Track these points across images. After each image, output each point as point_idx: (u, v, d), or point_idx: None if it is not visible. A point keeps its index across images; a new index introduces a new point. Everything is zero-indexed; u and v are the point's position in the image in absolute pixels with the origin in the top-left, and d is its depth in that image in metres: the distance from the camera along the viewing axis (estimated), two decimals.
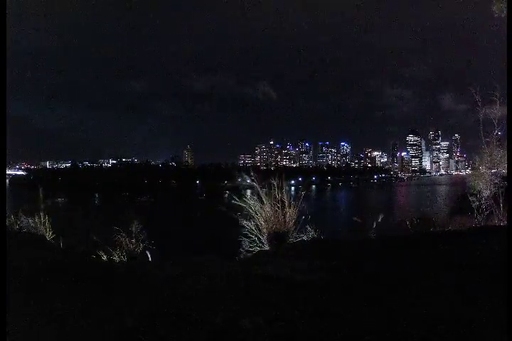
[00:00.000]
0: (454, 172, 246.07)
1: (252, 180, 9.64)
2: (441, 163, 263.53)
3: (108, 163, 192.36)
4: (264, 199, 9.09)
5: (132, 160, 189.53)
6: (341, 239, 9.97)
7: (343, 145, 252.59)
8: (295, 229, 9.04)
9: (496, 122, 10.95)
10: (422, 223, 10.98)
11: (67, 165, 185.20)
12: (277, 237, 8.79)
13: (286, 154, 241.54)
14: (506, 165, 9.83)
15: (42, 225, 10.24)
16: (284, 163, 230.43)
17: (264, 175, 9.68)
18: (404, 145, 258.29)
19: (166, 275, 5.84)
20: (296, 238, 9.05)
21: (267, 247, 8.87)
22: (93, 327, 3.60)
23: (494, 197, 10.56)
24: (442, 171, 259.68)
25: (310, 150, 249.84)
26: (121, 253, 9.18)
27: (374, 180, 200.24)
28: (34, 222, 10.25)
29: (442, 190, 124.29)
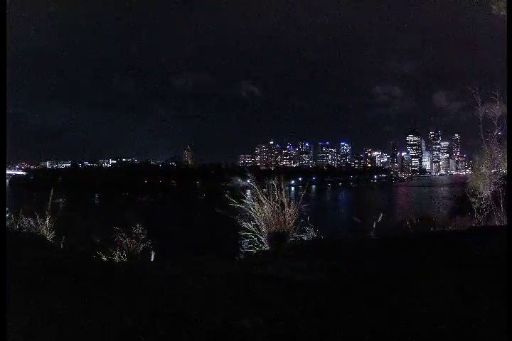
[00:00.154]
0: (454, 172, 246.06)
1: (252, 180, 9.64)
2: (441, 163, 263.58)
3: (108, 163, 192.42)
4: (263, 200, 9.08)
5: (132, 160, 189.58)
6: (341, 239, 9.95)
7: (343, 145, 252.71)
8: (295, 229, 9.03)
9: (495, 122, 10.94)
10: (422, 223, 10.97)
11: (67, 165, 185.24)
12: (277, 237, 8.78)
13: (286, 154, 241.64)
14: (506, 165, 9.82)
15: (42, 225, 10.23)
16: (284, 163, 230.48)
17: (264, 175, 9.67)
18: (404, 145, 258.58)
19: (166, 275, 5.84)
20: (296, 238, 9.04)
21: (266, 247, 8.87)
22: (93, 327, 3.60)
23: (494, 197, 10.55)
24: (442, 171, 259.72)
25: (310, 150, 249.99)
26: (122, 253, 9.18)
27: (374, 180, 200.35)
28: (34, 222, 10.24)
29: (442, 189, 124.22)
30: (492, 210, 10.37)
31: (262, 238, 8.99)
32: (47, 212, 10.13)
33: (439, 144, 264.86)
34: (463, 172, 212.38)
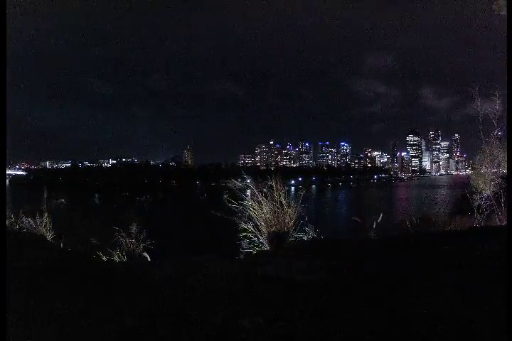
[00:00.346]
0: (454, 172, 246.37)
1: (252, 180, 9.64)
2: (441, 162, 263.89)
3: (108, 163, 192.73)
4: (263, 200, 9.08)
5: (132, 160, 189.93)
6: (341, 239, 9.96)
7: (343, 145, 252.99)
8: (295, 229, 9.04)
9: (495, 122, 10.94)
10: (422, 223, 10.97)
11: (67, 165, 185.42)
12: (277, 237, 8.78)
13: (286, 154, 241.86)
14: (506, 165, 9.82)
15: (42, 225, 10.24)
16: (284, 163, 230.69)
17: (264, 175, 9.67)
18: (404, 145, 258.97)
19: (166, 275, 5.84)
20: (296, 238, 9.04)
21: (266, 247, 8.87)
22: (93, 327, 3.59)
23: (494, 197, 10.55)
24: (442, 171, 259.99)
25: (310, 150, 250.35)
26: (121, 253, 9.18)
27: (374, 180, 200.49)
28: (34, 222, 10.24)
29: (442, 190, 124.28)
30: (492, 210, 10.37)
31: (261, 238, 8.99)
32: (45, 213, 10.14)
33: (439, 144, 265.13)
34: (463, 172, 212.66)
